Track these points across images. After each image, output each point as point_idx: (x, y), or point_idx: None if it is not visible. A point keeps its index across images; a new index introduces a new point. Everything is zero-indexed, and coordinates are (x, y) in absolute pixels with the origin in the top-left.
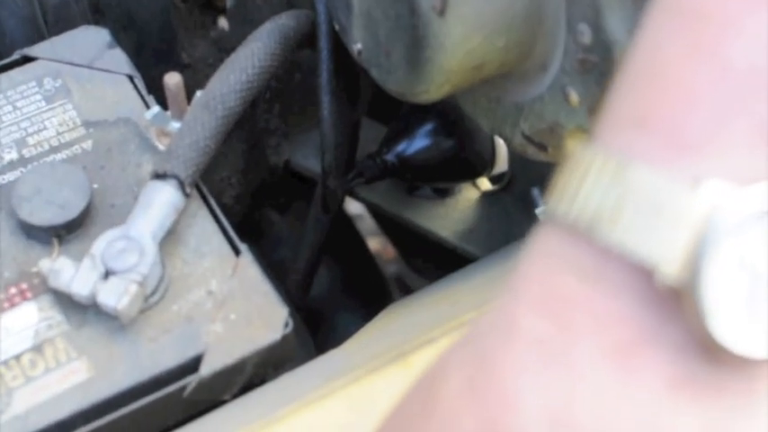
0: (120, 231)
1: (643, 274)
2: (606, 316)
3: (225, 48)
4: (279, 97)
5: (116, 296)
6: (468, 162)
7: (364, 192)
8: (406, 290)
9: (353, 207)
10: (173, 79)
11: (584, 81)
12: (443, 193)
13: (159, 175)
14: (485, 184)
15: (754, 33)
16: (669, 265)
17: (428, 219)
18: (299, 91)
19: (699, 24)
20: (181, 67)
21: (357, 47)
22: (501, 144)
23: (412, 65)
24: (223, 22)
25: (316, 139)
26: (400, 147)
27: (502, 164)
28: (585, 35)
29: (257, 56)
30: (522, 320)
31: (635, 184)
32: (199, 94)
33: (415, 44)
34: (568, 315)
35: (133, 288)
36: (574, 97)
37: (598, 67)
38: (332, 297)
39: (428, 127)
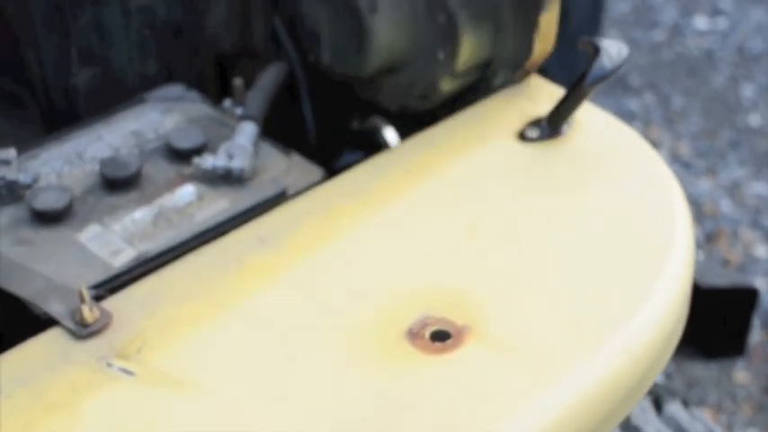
0: (232, 141)
1: None
2: None
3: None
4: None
5: (240, 163)
6: None
7: None
8: None
9: None
10: (238, 81)
11: (443, 45)
12: None
13: (244, 118)
14: None
15: None
16: None
17: None
18: None
19: None
20: None
21: (326, 59)
22: None
23: (359, 51)
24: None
25: None
26: None
27: None
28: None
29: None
30: None
31: None
32: (250, 91)
33: (361, 36)
34: None
35: (247, 159)
36: (440, 56)
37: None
38: None
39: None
